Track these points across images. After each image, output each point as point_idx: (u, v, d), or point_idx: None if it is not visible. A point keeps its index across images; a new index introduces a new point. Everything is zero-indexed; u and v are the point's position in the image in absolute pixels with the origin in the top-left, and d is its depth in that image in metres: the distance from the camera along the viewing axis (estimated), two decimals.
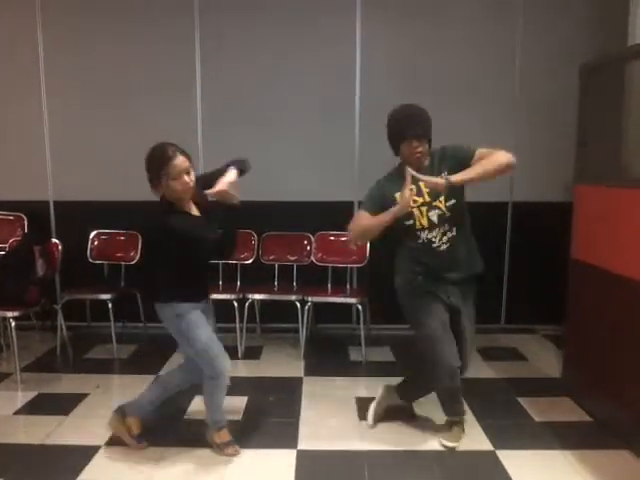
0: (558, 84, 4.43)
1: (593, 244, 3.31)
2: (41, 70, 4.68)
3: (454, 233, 2.73)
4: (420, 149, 2.65)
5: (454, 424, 3.01)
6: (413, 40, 4.61)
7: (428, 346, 2.79)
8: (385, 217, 2.60)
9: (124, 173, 4.50)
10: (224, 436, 2.88)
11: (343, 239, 4.59)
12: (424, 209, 2.70)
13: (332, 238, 4.64)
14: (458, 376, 2.83)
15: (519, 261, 4.87)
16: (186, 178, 2.54)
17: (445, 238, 2.72)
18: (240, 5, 4.61)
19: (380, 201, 2.70)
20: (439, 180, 2.52)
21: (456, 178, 2.50)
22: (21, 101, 4.74)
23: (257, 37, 4.63)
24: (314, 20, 4.61)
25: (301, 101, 4.67)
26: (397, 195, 2.63)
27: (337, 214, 4.70)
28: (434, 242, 2.72)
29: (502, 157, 2.55)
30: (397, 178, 2.69)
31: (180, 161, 2.52)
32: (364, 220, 2.69)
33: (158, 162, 2.52)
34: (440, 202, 2.69)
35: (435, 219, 2.70)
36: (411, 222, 2.71)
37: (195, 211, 2.70)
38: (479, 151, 2.62)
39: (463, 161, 2.62)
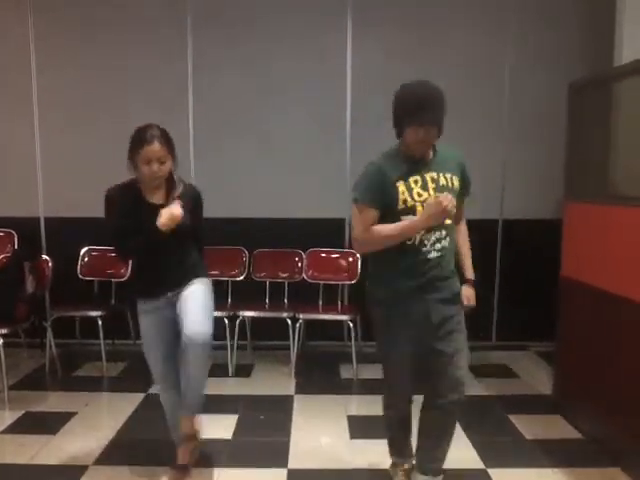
0: (548, 101, 4.48)
1: (583, 261, 3.33)
2: (33, 86, 4.69)
3: (446, 244, 2.37)
4: (427, 138, 2.28)
5: None
6: (404, 56, 4.64)
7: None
8: (419, 224, 2.25)
9: None
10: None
11: (334, 256, 4.61)
12: None
13: (323, 255, 4.64)
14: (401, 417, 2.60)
15: (510, 278, 4.88)
16: (154, 166, 2.51)
17: (438, 245, 2.34)
18: (232, 21, 4.66)
19: (381, 189, 2.29)
20: None
21: None
22: (13, 117, 4.75)
23: (248, 53, 4.66)
24: (306, 36, 4.66)
25: (292, 118, 4.70)
26: (406, 190, 2.29)
27: (328, 231, 4.75)
28: (425, 245, 2.33)
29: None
30: (397, 160, 2.33)
31: (154, 147, 2.48)
32: (384, 229, 2.29)
33: (135, 143, 2.53)
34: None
35: None
36: (409, 217, 2.30)
37: (160, 200, 2.59)
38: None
39: (465, 186, 2.46)
